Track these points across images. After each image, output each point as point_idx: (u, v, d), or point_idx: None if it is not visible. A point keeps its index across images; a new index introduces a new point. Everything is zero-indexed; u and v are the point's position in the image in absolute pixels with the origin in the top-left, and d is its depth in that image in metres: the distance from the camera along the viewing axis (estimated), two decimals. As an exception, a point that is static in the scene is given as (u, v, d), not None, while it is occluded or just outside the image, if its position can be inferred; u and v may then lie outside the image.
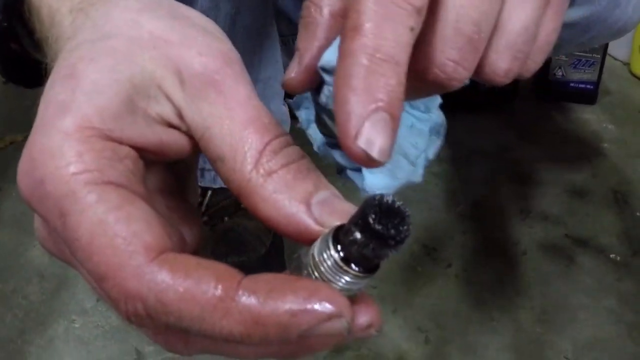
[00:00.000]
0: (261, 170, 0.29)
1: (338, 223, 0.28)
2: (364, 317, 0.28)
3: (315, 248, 0.28)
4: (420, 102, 0.45)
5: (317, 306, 0.26)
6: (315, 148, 0.44)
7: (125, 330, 0.96)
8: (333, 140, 0.41)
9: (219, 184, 0.96)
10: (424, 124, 0.46)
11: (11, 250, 1.10)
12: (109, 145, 0.29)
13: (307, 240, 0.28)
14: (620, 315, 0.97)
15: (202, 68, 0.30)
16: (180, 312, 0.27)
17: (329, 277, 0.27)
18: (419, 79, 0.31)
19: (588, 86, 1.49)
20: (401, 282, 1.03)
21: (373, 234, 0.26)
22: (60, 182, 0.28)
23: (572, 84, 1.50)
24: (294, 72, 0.34)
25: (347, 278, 0.27)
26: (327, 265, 0.27)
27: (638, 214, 1.18)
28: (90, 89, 0.29)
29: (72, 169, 0.28)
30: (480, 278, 1.04)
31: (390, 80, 0.28)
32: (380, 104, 0.27)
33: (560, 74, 1.49)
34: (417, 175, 0.43)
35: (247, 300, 0.26)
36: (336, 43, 0.32)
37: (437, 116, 0.47)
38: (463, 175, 1.28)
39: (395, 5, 0.28)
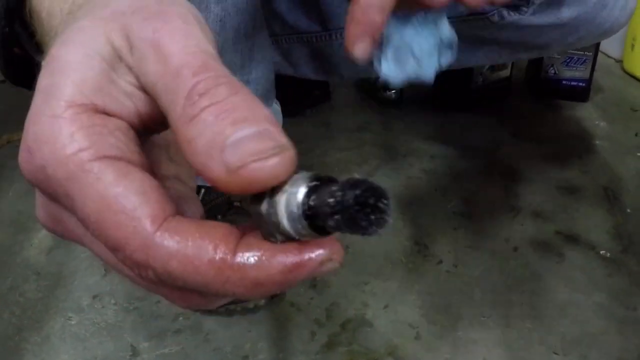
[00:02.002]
0: (185, 116, 0.28)
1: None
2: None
3: (284, 198, 0.28)
4: (430, 18, 0.59)
5: (312, 255, 0.28)
6: None
7: (121, 327, 0.97)
8: None
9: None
10: (432, 34, 0.59)
11: (8, 248, 1.11)
12: (97, 120, 0.30)
13: (223, 189, 0.28)
14: (610, 311, 0.98)
15: (143, 31, 0.31)
16: (184, 279, 0.28)
17: (286, 224, 0.28)
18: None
19: (580, 83, 1.51)
20: (392, 278, 1.04)
21: (350, 224, 0.26)
22: (58, 165, 0.29)
23: (564, 82, 1.51)
24: None
25: (303, 232, 0.28)
26: (291, 217, 0.28)
27: (629, 210, 1.19)
28: (66, 69, 0.30)
29: (67, 150, 0.29)
30: (471, 274, 1.05)
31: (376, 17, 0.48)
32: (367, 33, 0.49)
33: (552, 71, 1.50)
34: (427, 75, 0.59)
35: (245, 264, 0.28)
36: None
37: (448, 31, 0.60)
38: (455, 172, 1.29)
39: None
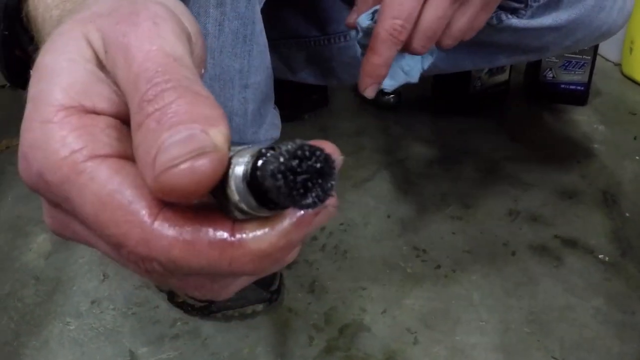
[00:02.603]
0: (134, 123, 0.28)
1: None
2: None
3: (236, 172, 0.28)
4: None
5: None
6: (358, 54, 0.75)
7: (120, 332, 0.97)
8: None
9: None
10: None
11: (6, 253, 1.11)
12: (87, 120, 0.30)
13: (159, 198, 0.28)
14: (608, 316, 0.98)
15: (114, 34, 0.31)
16: (189, 265, 0.28)
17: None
18: None
19: (578, 87, 1.51)
20: (390, 283, 1.04)
21: (291, 200, 0.26)
22: (54, 170, 0.29)
23: (562, 86, 1.51)
24: (352, 18, 0.75)
25: (255, 208, 0.28)
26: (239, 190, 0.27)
27: (627, 214, 1.19)
28: (51, 76, 0.31)
29: (60, 154, 0.29)
30: (469, 279, 1.05)
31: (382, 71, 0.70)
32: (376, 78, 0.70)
33: (550, 75, 1.50)
34: (414, 79, 0.78)
35: (246, 239, 0.28)
36: (368, 12, 0.71)
37: None
38: (453, 176, 1.29)
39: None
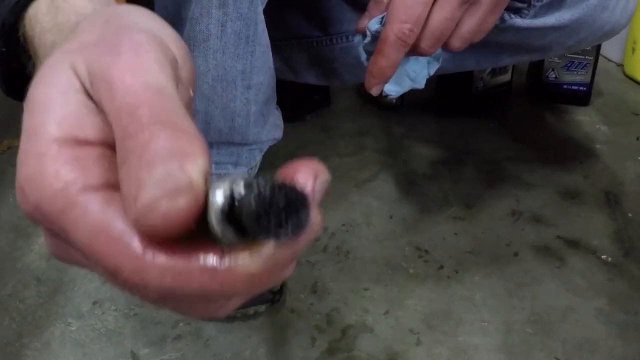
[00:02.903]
0: (120, 160, 0.29)
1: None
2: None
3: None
4: None
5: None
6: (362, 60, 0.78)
7: (121, 333, 0.96)
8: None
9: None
10: (423, 58, 0.78)
11: (8, 254, 1.11)
12: (79, 152, 0.30)
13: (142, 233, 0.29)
14: (611, 316, 0.98)
15: (99, 66, 0.31)
16: (183, 291, 0.29)
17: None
18: None
19: (581, 88, 1.50)
20: (393, 284, 1.04)
21: (268, 236, 0.27)
22: (50, 202, 0.29)
23: (565, 86, 1.51)
24: (363, 23, 0.75)
25: (232, 238, 0.28)
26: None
27: (630, 214, 1.19)
28: (43, 110, 0.31)
29: (55, 187, 0.29)
30: (472, 279, 1.05)
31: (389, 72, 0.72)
32: (382, 79, 0.73)
33: (553, 75, 1.50)
34: (420, 85, 0.80)
35: (235, 265, 0.29)
36: (378, 17, 0.73)
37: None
38: (455, 176, 1.29)
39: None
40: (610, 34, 0.98)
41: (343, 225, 1.16)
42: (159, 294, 0.29)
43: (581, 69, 1.48)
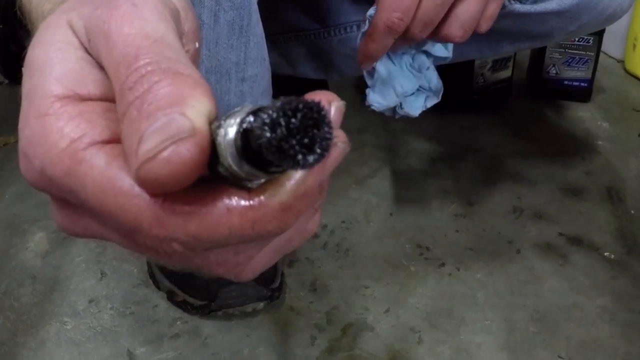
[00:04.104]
0: (120, 114, 0.28)
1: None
2: None
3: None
4: (415, 65, 0.78)
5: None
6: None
7: (117, 332, 0.95)
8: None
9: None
10: (415, 78, 0.78)
11: (3, 252, 1.10)
12: (83, 107, 0.29)
13: (145, 189, 0.27)
14: (614, 314, 0.97)
15: (95, 21, 0.30)
16: (211, 237, 0.27)
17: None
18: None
19: (582, 84, 1.49)
20: (394, 282, 1.03)
21: (294, 165, 0.25)
22: (55, 163, 0.28)
23: (566, 82, 1.49)
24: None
25: (252, 172, 0.26)
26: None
27: (632, 211, 1.17)
28: (42, 69, 0.30)
29: (60, 145, 0.28)
30: (474, 277, 1.04)
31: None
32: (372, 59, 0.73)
33: (554, 71, 1.49)
34: (413, 112, 0.79)
35: (266, 198, 0.27)
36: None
37: (436, 79, 0.81)
38: (456, 173, 1.28)
39: None
40: (612, 18, 0.96)
41: (343, 222, 1.15)
42: (185, 245, 0.27)
43: (582, 65, 1.47)
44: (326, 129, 0.25)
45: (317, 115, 0.24)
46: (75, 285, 1.03)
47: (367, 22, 0.74)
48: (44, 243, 1.11)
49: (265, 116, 0.24)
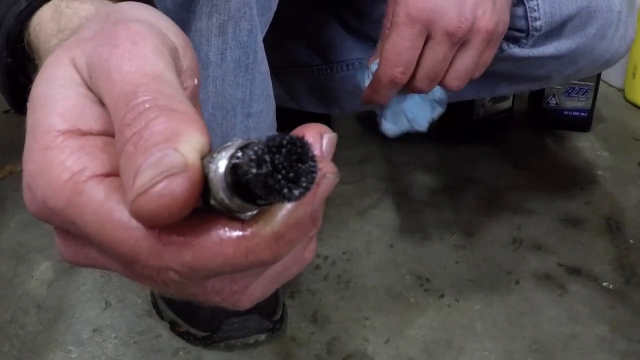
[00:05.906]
0: (118, 150, 0.29)
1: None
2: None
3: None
4: None
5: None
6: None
7: (121, 361, 0.96)
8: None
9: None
10: (422, 97, 0.81)
11: (9, 280, 1.11)
12: (85, 142, 0.30)
13: (140, 222, 0.28)
14: (613, 344, 0.98)
15: (96, 59, 0.31)
16: (206, 266, 0.28)
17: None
18: None
19: (582, 114, 1.51)
20: (393, 313, 1.04)
21: (281, 199, 0.26)
22: (57, 195, 0.29)
23: (566, 112, 1.51)
24: (371, 61, 0.78)
25: (242, 205, 0.28)
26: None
27: (631, 241, 1.18)
28: (45, 104, 0.31)
29: (62, 178, 0.29)
30: (473, 308, 1.04)
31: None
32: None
33: (554, 102, 1.50)
34: (421, 127, 0.83)
35: (259, 229, 0.28)
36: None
37: (439, 91, 0.82)
38: (456, 204, 1.29)
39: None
40: (609, 63, 0.98)
41: (344, 253, 1.16)
42: (181, 274, 0.28)
43: (582, 94, 1.49)
44: (311, 162, 0.26)
45: (301, 150, 0.26)
46: (80, 314, 1.04)
47: (369, 74, 0.77)
48: (49, 272, 1.13)
49: (251, 152, 0.25)
